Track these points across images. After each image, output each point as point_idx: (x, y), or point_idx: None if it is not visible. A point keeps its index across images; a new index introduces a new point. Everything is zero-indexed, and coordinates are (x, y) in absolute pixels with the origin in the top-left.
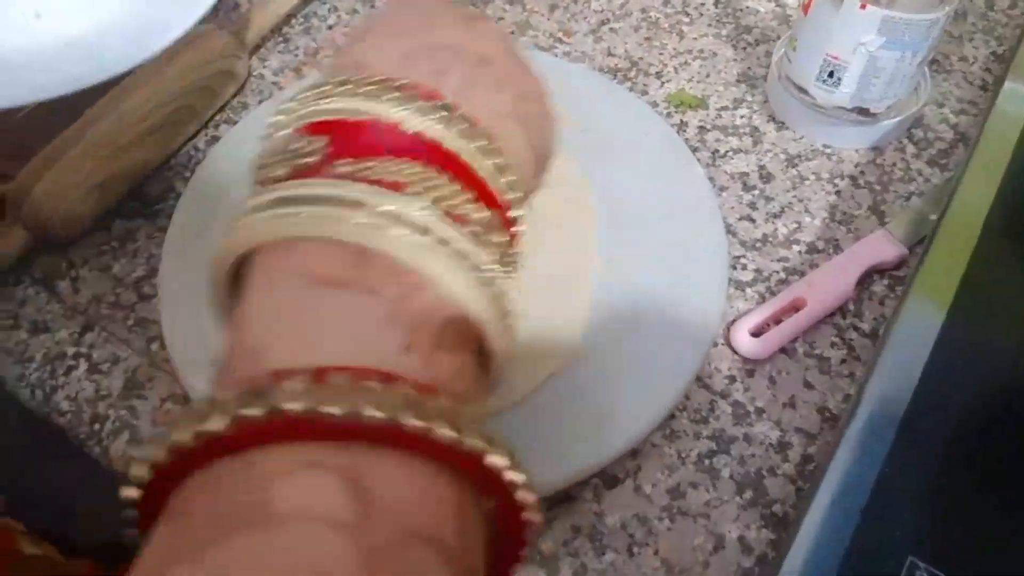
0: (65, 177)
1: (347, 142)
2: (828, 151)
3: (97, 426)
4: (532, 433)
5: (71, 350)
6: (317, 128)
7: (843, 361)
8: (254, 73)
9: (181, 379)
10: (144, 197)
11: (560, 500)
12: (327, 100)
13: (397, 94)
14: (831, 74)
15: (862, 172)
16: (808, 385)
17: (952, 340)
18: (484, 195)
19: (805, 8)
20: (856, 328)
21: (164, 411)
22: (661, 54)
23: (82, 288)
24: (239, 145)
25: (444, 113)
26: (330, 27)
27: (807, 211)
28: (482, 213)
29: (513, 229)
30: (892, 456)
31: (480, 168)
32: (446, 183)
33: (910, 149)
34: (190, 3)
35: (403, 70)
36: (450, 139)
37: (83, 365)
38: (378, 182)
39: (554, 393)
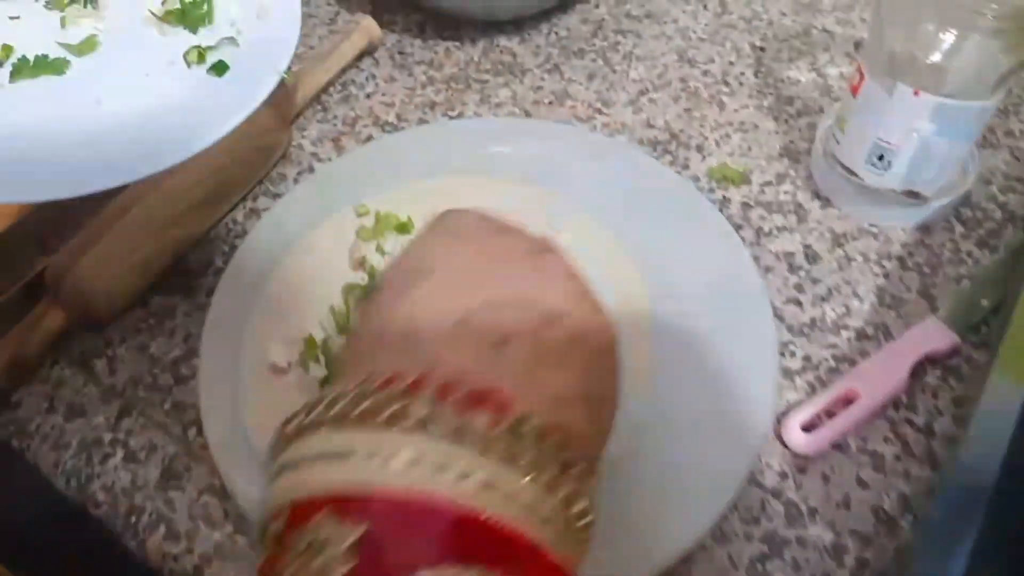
0: (107, 256)
1: (376, 556)
2: (875, 230)
3: (133, 519)
4: None
5: (107, 436)
6: (341, 507)
7: (897, 458)
8: (293, 143)
9: (220, 470)
10: (182, 271)
11: None
12: (330, 463)
13: (439, 430)
14: (881, 157)
15: (910, 253)
16: (862, 483)
17: None
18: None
19: (854, 89)
20: (910, 422)
21: None
22: (702, 126)
23: (119, 368)
24: (280, 222)
25: (497, 470)
26: (368, 95)
27: (855, 294)
28: None
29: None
30: (976, 555)
31: (546, 535)
32: None
33: (959, 229)
34: (250, 89)
35: (456, 346)
36: (511, 508)
37: (119, 453)
38: None
39: (603, 497)
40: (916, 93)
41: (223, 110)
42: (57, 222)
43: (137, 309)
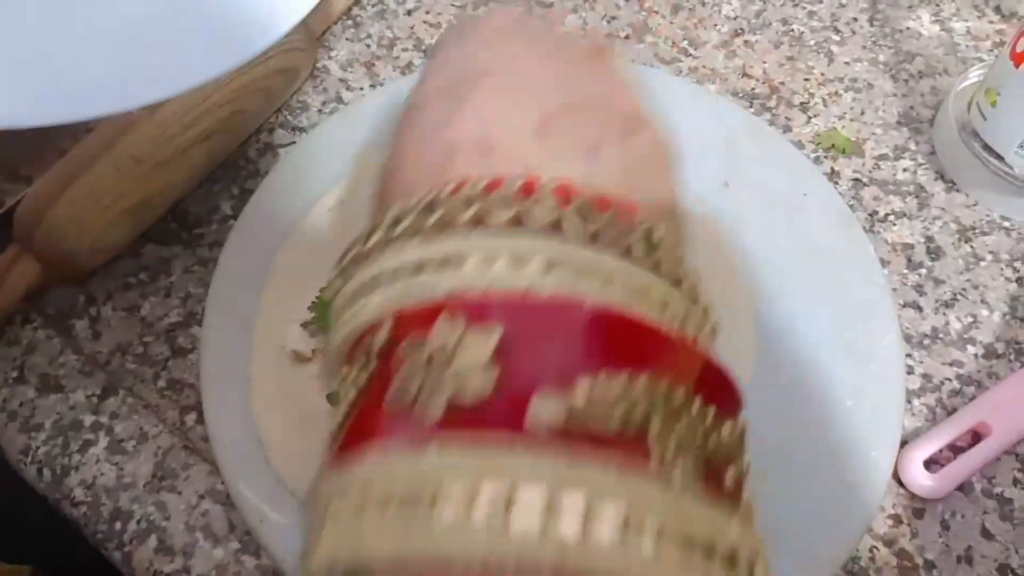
0: (90, 199)
1: (520, 363)
2: (1007, 224)
3: (118, 525)
4: None
5: (89, 418)
6: (420, 316)
7: None
8: (318, 65)
9: (223, 474)
10: (181, 218)
11: None
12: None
13: (572, 234)
14: None
15: None
16: (987, 535)
17: None
18: (709, 381)
19: (1017, 58)
20: None
21: None
22: (807, 80)
23: (103, 332)
24: (303, 167)
25: (640, 276)
26: (409, 12)
27: (984, 302)
28: (727, 430)
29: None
30: None
31: (688, 328)
32: (681, 402)
33: None
34: None
35: (547, 151)
36: (656, 311)
37: (103, 440)
38: (571, 440)
39: None
40: None
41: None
42: (29, 146)
43: (126, 259)
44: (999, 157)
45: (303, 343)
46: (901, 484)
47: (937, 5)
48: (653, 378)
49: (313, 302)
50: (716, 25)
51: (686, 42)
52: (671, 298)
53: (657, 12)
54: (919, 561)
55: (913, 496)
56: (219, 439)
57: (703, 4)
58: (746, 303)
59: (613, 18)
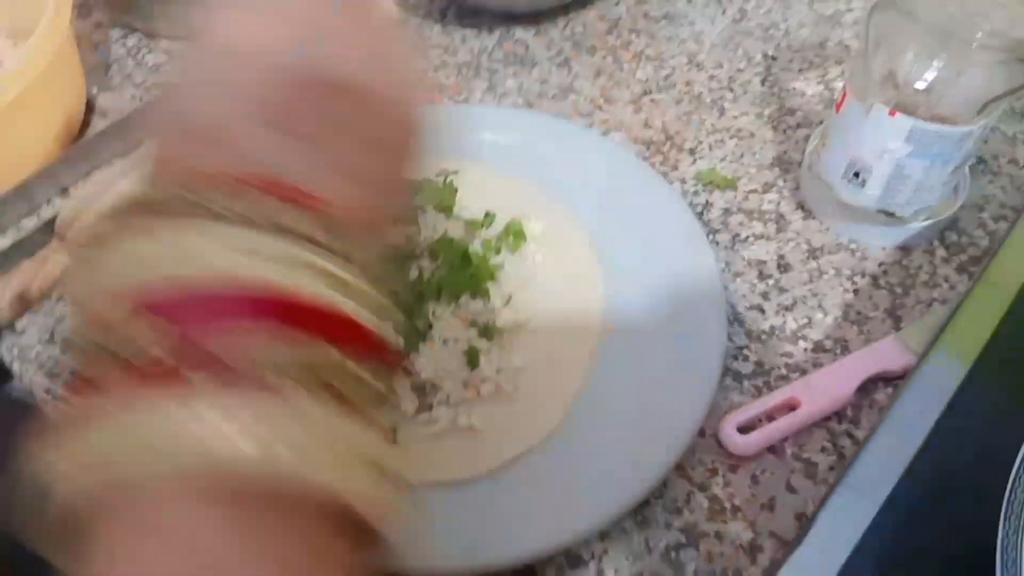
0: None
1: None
2: (853, 246)
3: None
4: (503, 503)
5: None
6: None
7: (831, 468)
8: None
9: None
10: None
11: (522, 574)
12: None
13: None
14: (856, 175)
15: (885, 272)
16: (791, 489)
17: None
18: (367, 347)
19: (838, 106)
20: (850, 436)
21: None
22: (698, 130)
23: None
24: None
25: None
26: None
27: (820, 307)
28: (373, 383)
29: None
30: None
31: (364, 313)
32: (333, 361)
33: (940, 253)
34: None
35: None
36: (333, 292)
37: None
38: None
39: (529, 467)
40: (892, 114)
41: None
42: (76, 170)
43: None
44: (831, 188)
45: None
46: (721, 446)
47: (824, 69)
48: (288, 334)
49: None
50: (629, 86)
51: (602, 99)
52: (349, 274)
53: (581, 76)
54: (727, 505)
55: (730, 455)
56: None
57: (621, 70)
58: (598, 295)
59: (545, 80)
